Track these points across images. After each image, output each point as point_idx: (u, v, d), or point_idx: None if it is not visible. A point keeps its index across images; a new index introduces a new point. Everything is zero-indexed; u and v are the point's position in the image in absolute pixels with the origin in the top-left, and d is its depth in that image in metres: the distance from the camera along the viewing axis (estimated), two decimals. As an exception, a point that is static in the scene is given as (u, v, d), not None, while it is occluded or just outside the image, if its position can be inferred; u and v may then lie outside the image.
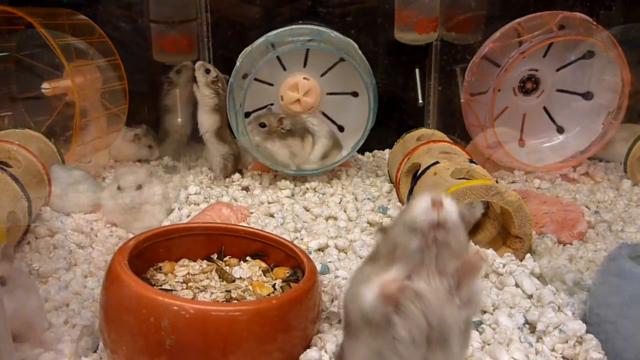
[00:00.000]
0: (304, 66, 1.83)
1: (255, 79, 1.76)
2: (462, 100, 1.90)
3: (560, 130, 1.99)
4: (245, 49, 1.84)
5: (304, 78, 1.83)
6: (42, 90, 1.76)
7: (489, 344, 1.01)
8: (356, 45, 1.87)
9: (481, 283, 0.72)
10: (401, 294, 0.69)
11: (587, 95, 1.94)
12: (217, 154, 1.87)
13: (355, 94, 1.86)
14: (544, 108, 1.97)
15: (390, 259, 0.72)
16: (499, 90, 1.82)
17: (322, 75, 1.84)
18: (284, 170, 1.83)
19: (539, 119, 1.98)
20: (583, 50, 1.88)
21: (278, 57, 1.79)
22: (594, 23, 1.80)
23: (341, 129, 1.92)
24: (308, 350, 0.95)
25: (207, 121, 1.87)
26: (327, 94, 1.86)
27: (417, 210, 0.69)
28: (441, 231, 0.68)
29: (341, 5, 2.10)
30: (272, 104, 1.87)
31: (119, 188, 1.49)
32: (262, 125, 1.76)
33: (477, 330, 1.04)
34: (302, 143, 1.80)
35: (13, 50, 1.92)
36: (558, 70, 1.92)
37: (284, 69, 1.83)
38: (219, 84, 1.87)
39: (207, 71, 1.87)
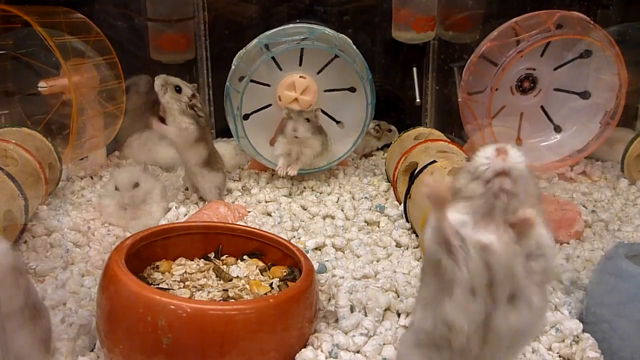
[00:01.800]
0: (300, 65, 1.83)
1: (252, 81, 1.76)
2: (459, 100, 1.90)
3: (557, 129, 1.99)
4: (240, 52, 1.82)
5: (300, 77, 1.82)
6: (39, 89, 1.75)
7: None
8: (350, 41, 1.86)
9: (548, 233, 0.68)
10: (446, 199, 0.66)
11: (584, 95, 1.94)
12: (211, 186, 1.65)
13: (352, 89, 1.85)
14: (542, 107, 1.97)
15: (453, 204, 0.69)
16: (497, 89, 1.82)
17: (319, 72, 1.84)
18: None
19: (536, 118, 1.98)
20: (580, 50, 1.88)
21: (273, 58, 1.79)
22: (592, 22, 1.80)
23: (341, 124, 1.91)
24: (303, 350, 0.95)
25: (192, 156, 1.61)
26: (325, 91, 1.86)
27: (481, 158, 0.67)
28: (506, 179, 0.66)
29: (339, 3, 2.10)
30: (269, 105, 1.86)
31: (116, 188, 1.49)
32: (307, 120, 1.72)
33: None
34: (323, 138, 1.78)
35: (10, 49, 1.91)
36: (555, 69, 1.92)
37: (280, 69, 1.83)
38: (197, 106, 1.55)
39: (178, 89, 1.53)
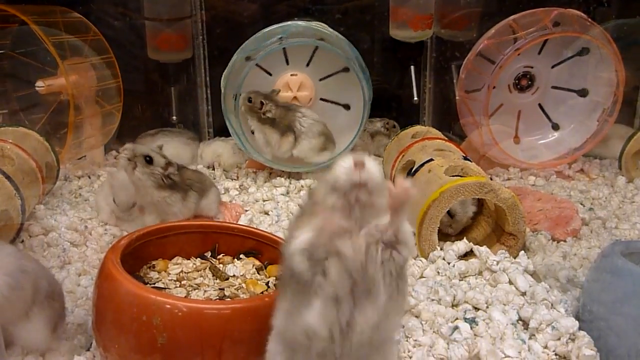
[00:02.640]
0: (287, 64, 1.83)
1: (257, 65, 1.77)
2: (457, 98, 1.90)
3: (555, 127, 1.99)
4: (224, 72, 1.83)
5: (292, 75, 1.83)
6: (37, 89, 1.76)
7: (481, 337, 1.01)
8: (326, 26, 1.86)
9: (409, 226, 0.72)
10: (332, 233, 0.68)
11: (582, 92, 1.94)
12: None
13: (346, 69, 1.83)
14: (539, 105, 1.97)
15: (312, 216, 0.72)
16: (494, 87, 1.82)
17: (307, 65, 1.85)
18: (280, 167, 1.83)
19: (534, 116, 1.98)
20: (578, 47, 1.88)
21: (284, 49, 1.79)
22: (589, 20, 1.80)
23: (347, 107, 1.90)
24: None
25: (168, 216, 1.41)
26: (320, 79, 1.87)
27: (339, 170, 0.69)
28: (363, 191, 0.68)
29: (337, 2, 2.10)
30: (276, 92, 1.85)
31: (113, 200, 1.48)
32: (249, 100, 1.75)
33: (470, 327, 1.04)
34: (280, 138, 1.77)
35: (7, 48, 1.92)
36: (553, 67, 1.92)
37: (270, 74, 1.84)
38: (174, 173, 1.37)
39: (149, 160, 1.33)
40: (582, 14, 1.80)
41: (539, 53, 1.89)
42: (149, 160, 1.32)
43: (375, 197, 0.69)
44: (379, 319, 0.71)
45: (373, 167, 0.69)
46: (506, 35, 1.81)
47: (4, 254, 0.93)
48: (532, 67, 1.91)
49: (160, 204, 1.38)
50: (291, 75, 1.83)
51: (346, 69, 1.83)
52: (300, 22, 1.85)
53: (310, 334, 0.71)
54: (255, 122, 1.77)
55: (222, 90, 1.81)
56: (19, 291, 0.91)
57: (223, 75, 1.83)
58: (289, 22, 1.86)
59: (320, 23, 1.87)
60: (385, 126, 2.10)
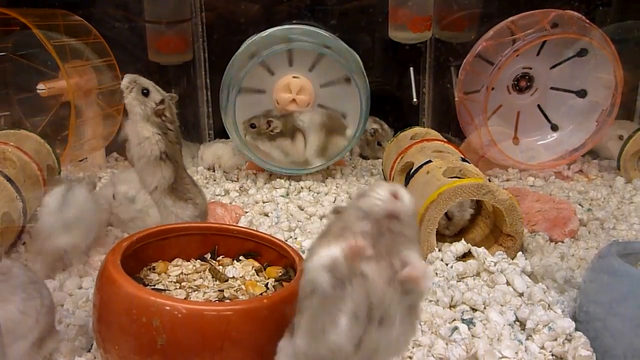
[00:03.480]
0: (291, 65, 1.84)
1: (246, 90, 1.78)
2: (456, 99, 1.91)
3: (554, 128, 1.99)
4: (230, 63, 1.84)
5: (294, 77, 1.83)
6: (38, 91, 1.77)
7: (479, 337, 1.02)
8: (335, 37, 1.88)
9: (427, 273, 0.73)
10: (357, 256, 0.70)
11: (581, 93, 1.94)
12: (174, 221, 1.34)
13: (348, 80, 1.85)
14: (538, 106, 1.98)
15: (339, 238, 0.73)
16: (493, 89, 1.83)
17: (310, 70, 1.85)
18: (281, 170, 1.84)
19: (533, 117, 1.99)
20: (577, 48, 1.89)
21: (289, 50, 1.80)
22: (587, 21, 1.80)
23: (343, 116, 1.92)
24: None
25: (151, 177, 1.33)
26: (321, 86, 1.87)
27: (375, 198, 0.71)
28: (395, 222, 0.70)
29: (336, 4, 2.11)
30: (264, 91, 1.87)
31: (114, 197, 1.49)
32: (252, 126, 1.78)
33: (467, 327, 1.05)
34: (293, 142, 1.80)
35: (9, 51, 1.93)
36: (552, 68, 1.93)
37: (272, 73, 1.84)
38: (166, 114, 1.32)
39: (145, 92, 1.31)
40: (581, 16, 1.81)
41: (538, 54, 1.90)
42: (145, 92, 1.30)
43: (405, 228, 0.71)
44: (386, 343, 0.73)
45: (407, 199, 0.71)
46: (505, 37, 1.82)
47: (18, 268, 0.95)
48: (530, 69, 1.92)
49: (140, 137, 1.30)
50: (293, 77, 1.84)
51: (348, 80, 1.84)
52: (311, 27, 1.85)
53: (336, 351, 0.73)
54: (267, 142, 1.79)
55: (221, 87, 1.82)
56: (32, 301, 0.93)
57: (225, 72, 1.84)
58: (300, 26, 1.87)
59: (330, 33, 1.87)
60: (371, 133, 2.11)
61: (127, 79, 1.31)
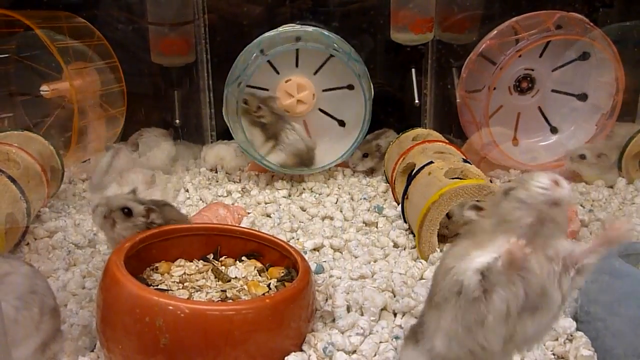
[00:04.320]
0: (297, 66, 1.85)
1: (250, 86, 1.78)
2: (457, 100, 1.91)
3: (553, 130, 2.00)
4: (238, 57, 1.85)
5: (287, 81, 1.84)
6: (41, 93, 1.78)
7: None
8: (344, 41, 1.88)
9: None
10: (525, 260, 0.69)
11: (581, 97, 1.95)
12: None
13: (351, 87, 1.86)
14: (539, 108, 1.98)
15: (494, 233, 0.73)
16: (494, 89, 1.83)
17: (315, 73, 1.85)
18: (281, 170, 1.85)
19: (533, 119, 1.99)
20: (579, 51, 1.89)
21: (270, 62, 1.80)
22: (590, 23, 1.81)
23: (342, 123, 1.93)
24: (292, 354, 0.96)
25: None
26: (324, 90, 1.88)
27: (537, 187, 0.70)
28: (557, 209, 0.70)
29: (338, 5, 2.12)
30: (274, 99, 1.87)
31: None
32: (245, 102, 1.78)
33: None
34: (265, 142, 1.81)
35: (13, 53, 1.94)
36: (554, 70, 1.93)
37: (277, 72, 1.84)
38: (155, 223, 1.17)
39: (127, 212, 1.15)
40: (584, 18, 1.81)
41: (540, 56, 1.90)
42: (127, 212, 1.15)
43: (561, 215, 0.71)
44: (537, 332, 0.74)
45: (567, 186, 0.71)
46: (508, 36, 1.82)
47: (19, 275, 0.95)
48: (532, 70, 1.92)
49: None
50: (286, 81, 1.84)
51: (350, 87, 1.85)
52: (270, 32, 1.85)
53: (481, 351, 0.73)
54: (247, 122, 1.79)
55: (230, 73, 1.83)
56: (27, 312, 0.93)
57: (232, 68, 1.84)
58: (311, 28, 1.87)
59: (338, 36, 1.88)
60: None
61: (101, 212, 1.15)
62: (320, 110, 1.91)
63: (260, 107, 1.77)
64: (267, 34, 1.84)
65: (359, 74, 1.79)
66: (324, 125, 1.92)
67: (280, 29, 1.86)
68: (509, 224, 0.72)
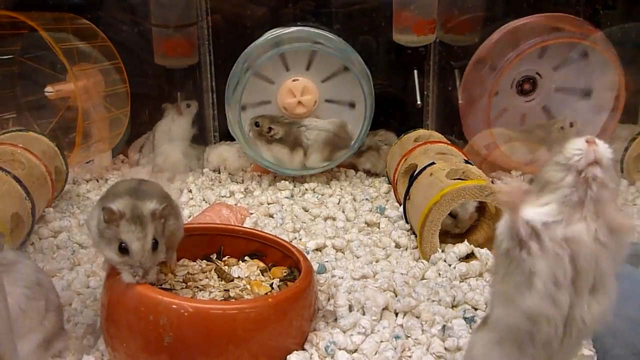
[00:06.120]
0: (307, 69, 1.86)
1: (257, 75, 1.79)
2: (459, 102, 1.92)
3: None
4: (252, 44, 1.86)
5: (293, 80, 1.85)
6: (46, 94, 1.79)
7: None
8: (359, 57, 1.89)
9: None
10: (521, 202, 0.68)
11: (585, 96, 1.95)
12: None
13: (352, 105, 1.88)
14: (544, 108, 1.99)
15: (539, 195, 0.71)
16: (497, 92, 1.83)
17: (323, 81, 1.87)
18: (283, 171, 1.85)
19: (538, 120, 1.99)
20: (579, 51, 1.89)
21: (282, 56, 1.81)
22: (590, 25, 1.81)
23: (352, 105, 1.92)
24: (294, 352, 0.97)
25: None
26: (326, 100, 1.89)
27: (572, 149, 0.69)
28: (597, 168, 0.68)
29: (340, 7, 2.12)
30: (269, 102, 1.89)
31: None
32: (256, 124, 1.80)
33: (469, 327, 1.06)
34: (291, 153, 1.83)
35: (17, 54, 1.95)
36: (555, 70, 1.93)
37: (287, 69, 1.85)
38: None
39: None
40: (583, 20, 1.82)
41: (541, 57, 1.90)
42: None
43: (608, 177, 0.69)
44: (602, 317, 0.71)
45: (605, 145, 0.69)
46: (508, 40, 1.83)
47: (24, 266, 0.96)
48: (534, 71, 1.93)
49: None
50: (293, 80, 1.85)
51: (347, 68, 1.85)
52: (292, 28, 1.87)
53: (534, 318, 0.71)
54: (264, 144, 1.81)
55: (226, 104, 1.86)
56: (35, 302, 0.94)
57: (226, 88, 1.86)
58: (280, 30, 1.89)
59: (320, 29, 1.89)
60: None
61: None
62: (327, 100, 1.91)
63: (271, 127, 1.80)
64: (243, 54, 1.85)
65: (367, 94, 1.80)
66: (337, 113, 1.92)
67: (257, 41, 1.87)
68: (553, 185, 0.70)
